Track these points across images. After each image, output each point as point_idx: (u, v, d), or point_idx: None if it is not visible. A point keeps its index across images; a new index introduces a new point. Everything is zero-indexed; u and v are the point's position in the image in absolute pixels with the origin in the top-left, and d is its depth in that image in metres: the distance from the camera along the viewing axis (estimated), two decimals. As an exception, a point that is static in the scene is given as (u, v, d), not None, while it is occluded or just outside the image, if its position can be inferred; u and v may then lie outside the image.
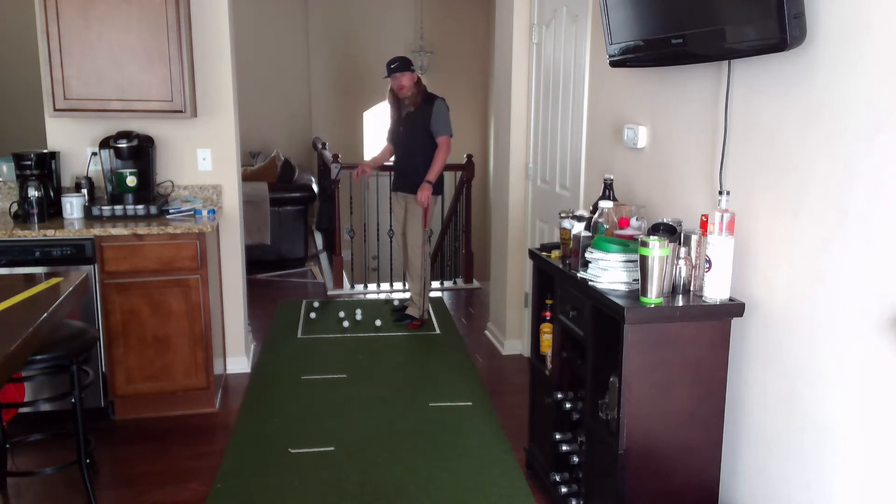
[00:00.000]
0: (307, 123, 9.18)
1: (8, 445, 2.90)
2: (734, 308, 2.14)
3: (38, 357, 2.48)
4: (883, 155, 1.68)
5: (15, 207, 3.49)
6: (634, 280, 2.20)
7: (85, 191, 3.60)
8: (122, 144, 3.55)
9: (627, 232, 2.44)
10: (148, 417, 3.52)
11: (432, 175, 4.60)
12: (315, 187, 7.15)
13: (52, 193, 3.57)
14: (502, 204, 4.52)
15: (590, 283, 2.29)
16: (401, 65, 4.58)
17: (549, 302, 2.81)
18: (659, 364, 2.13)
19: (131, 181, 3.59)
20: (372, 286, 6.24)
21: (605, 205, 2.52)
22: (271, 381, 3.99)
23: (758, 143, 2.13)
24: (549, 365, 2.79)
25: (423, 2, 9.04)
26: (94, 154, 3.72)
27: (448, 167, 6.31)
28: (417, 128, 4.63)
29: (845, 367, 1.83)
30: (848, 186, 1.79)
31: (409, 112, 4.66)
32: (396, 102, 4.74)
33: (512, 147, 4.31)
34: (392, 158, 4.95)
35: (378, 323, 4.99)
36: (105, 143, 3.62)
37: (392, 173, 5.03)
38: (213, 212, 3.63)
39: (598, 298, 2.24)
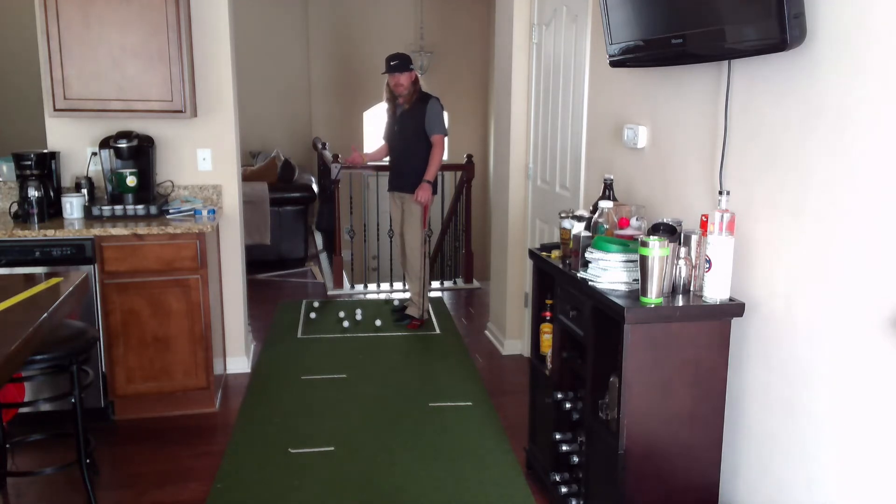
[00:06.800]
0: (307, 123, 9.18)
1: (8, 445, 2.89)
2: (734, 308, 2.14)
3: (38, 357, 2.48)
4: (883, 154, 1.68)
5: (15, 207, 3.49)
6: (634, 280, 2.20)
7: (85, 191, 3.60)
8: (122, 144, 3.55)
9: (627, 232, 2.44)
10: (148, 417, 3.52)
11: (430, 175, 4.60)
12: (315, 187, 7.15)
13: (52, 193, 3.57)
14: (502, 204, 4.52)
15: (590, 283, 2.29)
16: (400, 63, 4.59)
17: (549, 302, 2.81)
18: (659, 364, 2.13)
19: (131, 181, 3.59)
20: (372, 286, 6.24)
21: (605, 205, 2.52)
22: (271, 381, 3.99)
23: (758, 142, 2.13)
24: (549, 365, 2.79)
25: (423, 2, 9.04)
26: (94, 154, 3.72)
27: (448, 167, 6.34)
28: (411, 127, 4.63)
29: (845, 367, 1.83)
30: (848, 186, 1.79)
31: (404, 111, 4.66)
32: (392, 99, 4.74)
33: (512, 147, 4.31)
34: (387, 158, 4.95)
35: (378, 323, 4.99)
36: (105, 143, 3.62)
37: (389, 173, 5.03)
38: (213, 212, 3.63)
39: (598, 298, 2.24)
